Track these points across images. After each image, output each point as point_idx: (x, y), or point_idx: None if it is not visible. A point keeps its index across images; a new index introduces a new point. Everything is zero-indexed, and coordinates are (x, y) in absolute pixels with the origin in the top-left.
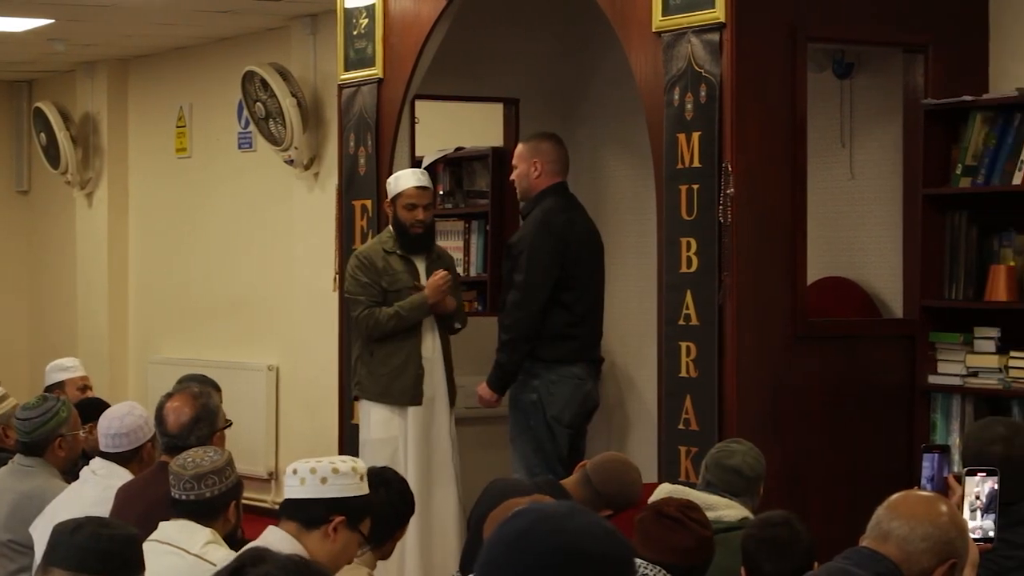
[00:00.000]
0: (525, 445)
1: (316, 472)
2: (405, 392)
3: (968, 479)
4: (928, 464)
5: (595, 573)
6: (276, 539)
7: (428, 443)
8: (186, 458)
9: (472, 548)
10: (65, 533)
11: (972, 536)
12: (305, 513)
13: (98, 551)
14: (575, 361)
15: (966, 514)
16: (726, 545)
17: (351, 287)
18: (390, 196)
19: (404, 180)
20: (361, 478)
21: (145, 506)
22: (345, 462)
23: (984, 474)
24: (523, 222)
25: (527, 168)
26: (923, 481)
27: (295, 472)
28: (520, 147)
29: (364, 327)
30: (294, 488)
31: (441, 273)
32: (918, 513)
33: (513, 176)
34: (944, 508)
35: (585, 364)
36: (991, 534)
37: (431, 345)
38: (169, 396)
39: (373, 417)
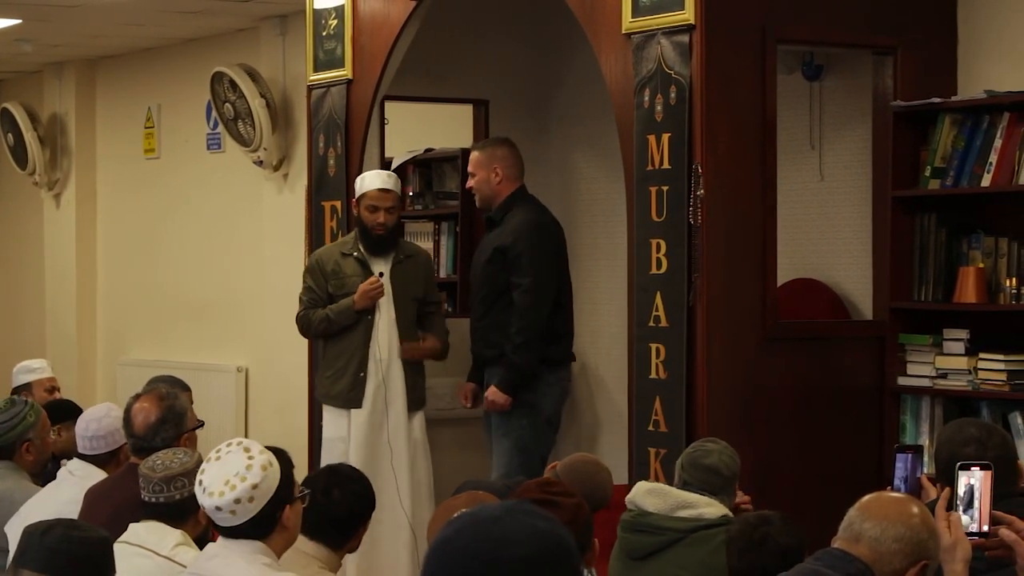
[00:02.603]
0: (509, 444)
1: (241, 500)
2: (341, 395)
3: (961, 473)
4: (901, 464)
5: None
6: (242, 566)
7: (371, 448)
8: (155, 460)
9: None
10: (35, 535)
11: (967, 531)
12: (257, 530)
13: (68, 553)
14: (567, 362)
15: (960, 509)
16: (706, 542)
17: (301, 289)
18: (356, 196)
19: (368, 181)
20: (270, 463)
21: (113, 507)
22: (251, 468)
23: (978, 468)
24: (496, 229)
25: (487, 175)
26: (896, 481)
27: (220, 508)
28: (475, 154)
29: (299, 327)
30: (228, 519)
31: (372, 279)
32: (890, 514)
33: (471, 184)
34: (916, 509)
35: (569, 364)
36: (985, 528)
37: (386, 347)
38: (137, 397)
39: (325, 416)
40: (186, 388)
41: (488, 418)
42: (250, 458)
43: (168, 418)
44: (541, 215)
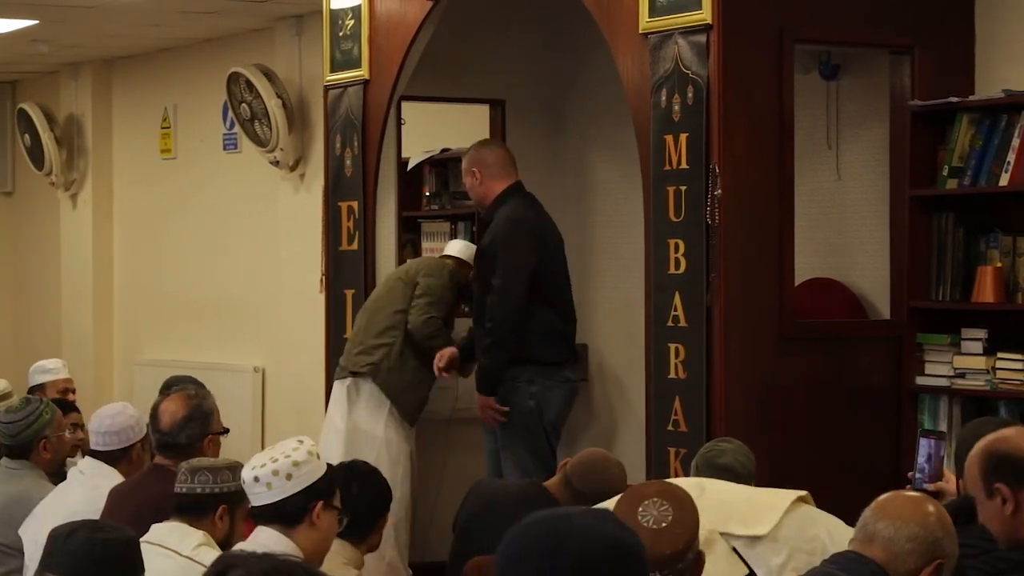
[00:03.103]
0: (523, 452)
1: (279, 473)
2: (411, 409)
3: (922, 440)
4: (925, 446)
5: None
6: (268, 539)
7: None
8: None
9: (457, 554)
10: (60, 539)
11: (919, 487)
12: (284, 513)
13: (92, 556)
14: (567, 362)
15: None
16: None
17: (442, 292)
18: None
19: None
20: (316, 456)
21: (135, 507)
22: (298, 449)
23: (934, 437)
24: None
25: (470, 180)
26: (920, 461)
27: (258, 479)
28: (463, 160)
29: (429, 332)
30: (263, 495)
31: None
32: (904, 514)
33: (466, 189)
34: (931, 508)
35: (573, 364)
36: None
37: None
38: (166, 395)
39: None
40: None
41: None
42: (300, 442)
43: (195, 416)
44: (519, 211)
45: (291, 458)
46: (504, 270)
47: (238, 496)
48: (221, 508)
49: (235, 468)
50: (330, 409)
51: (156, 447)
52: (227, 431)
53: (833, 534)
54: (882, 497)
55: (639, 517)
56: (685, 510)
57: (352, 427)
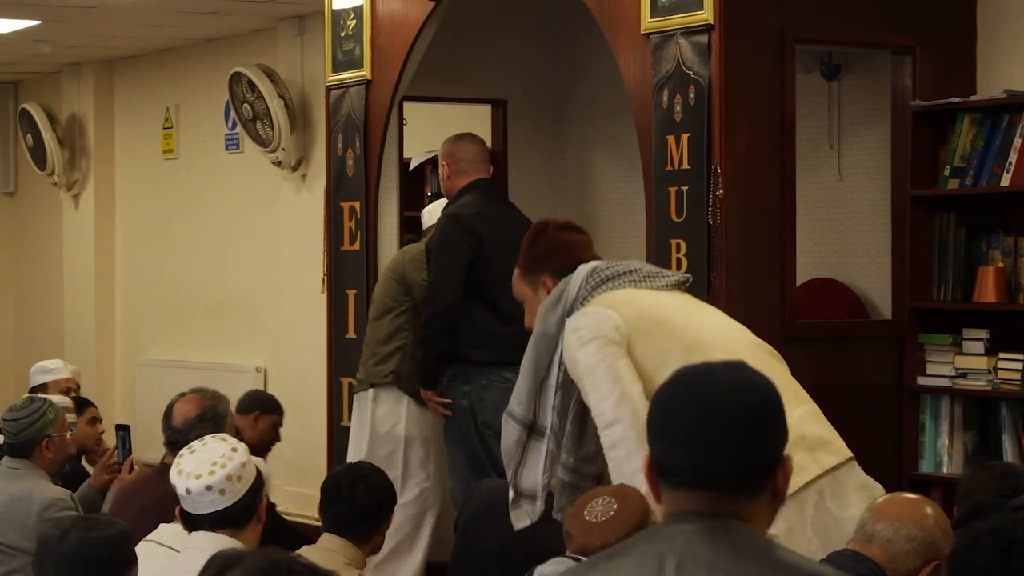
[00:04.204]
0: (458, 452)
1: (232, 477)
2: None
3: None
4: None
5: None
6: (216, 544)
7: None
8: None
9: (458, 554)
10: (52, 542)
11: None
12: (236, 516)
13: (86, 557)
14: (505, 364)
15: None
16: None
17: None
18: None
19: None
20: (246, 452)
21: (139, 507)
22: (236, 450)
23: None
24: None
25: (441, 172)
26: None
27: (210, 487)
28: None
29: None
30: (215, 501)
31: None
32: (903, 515)
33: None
34: (929, 510)
35: (516, 367)
36: None
37: None
38: (181, 396)
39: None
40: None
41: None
42: (233, 449)
43: (208, 416)
44: (462, 208)
45: (236, 460)
46: (435, 267)
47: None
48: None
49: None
50: (355, 425)
51: (167, 444)
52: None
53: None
54: (881, 498)
55: (585, 513)
56: (630, 509)
57: (372, 433)
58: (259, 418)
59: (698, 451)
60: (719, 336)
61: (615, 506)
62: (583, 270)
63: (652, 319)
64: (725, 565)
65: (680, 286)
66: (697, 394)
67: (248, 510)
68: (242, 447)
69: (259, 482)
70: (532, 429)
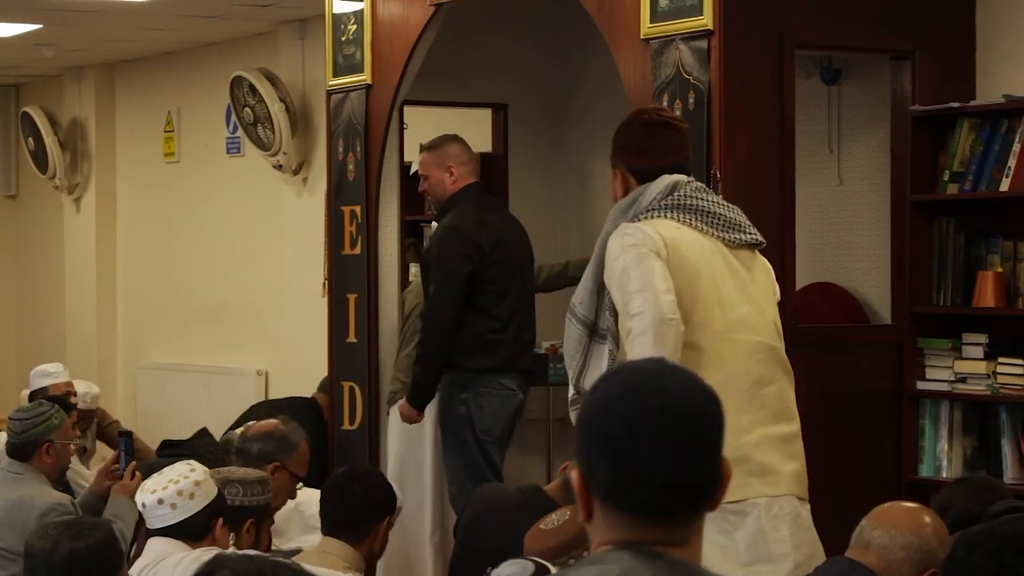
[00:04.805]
0: (455, 460)
1: (183, 493)
2: None
3: None
4: None
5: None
6: (170, 548)
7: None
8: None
9: (459, 557)
10: (42, 556)
11: None
12: (189, 531)
13: (75, 565)
14: (503, 371)
15: None
16: None
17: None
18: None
19: None
20: (209, 477)
21: None
22: (195, 471)
23: None
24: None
25: (441, 175)
26: None
27: (162, 501)
28: (426, 155)
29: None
30: (166, 516)
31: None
32: (899, 522)
33: (424, 187)
34: (927, 519)
35: (515, 374)
36: None
37: None
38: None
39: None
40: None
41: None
42: (192, 469)
43: (276, 437)
44: (462, 218)
45: (190, 479)
46: (436, 280)
47: (266, 510)
48: (248, 521)
49: (265, 482)
50: (392, 437)
51: (233, 452)
52: (301, 480)
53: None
54: (880, 506)
55: (541, 523)
56: (577, 519)
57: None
58: None
59: (648, 466)
60: (744, 325)
61: (567, 515)
62: (663, 183)
63: (688, 277)
64: None
65: (753, 247)
66: (640, 402)
67: (203, 528)
68: (200, 468)
69: (220, 502)
70: (594, 331)
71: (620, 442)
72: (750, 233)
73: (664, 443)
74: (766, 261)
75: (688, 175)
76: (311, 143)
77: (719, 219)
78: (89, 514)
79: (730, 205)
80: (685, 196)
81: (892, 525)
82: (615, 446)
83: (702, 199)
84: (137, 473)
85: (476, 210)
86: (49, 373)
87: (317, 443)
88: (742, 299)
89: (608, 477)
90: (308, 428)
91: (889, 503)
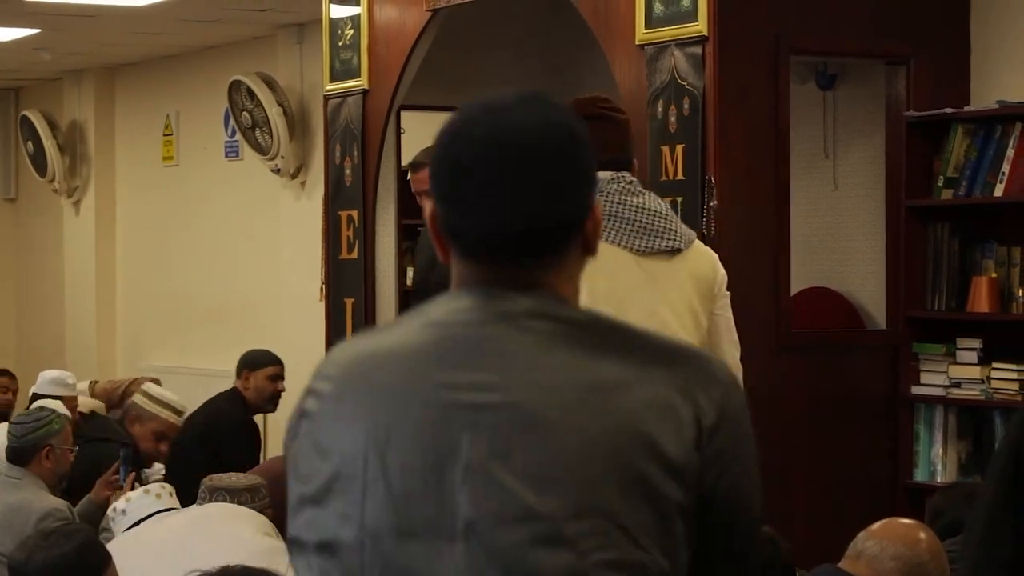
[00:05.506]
0: None
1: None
2: None
3: None
4: None
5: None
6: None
7: None
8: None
9: None
10: (19, 568)
11: None
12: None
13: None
14: None
15: None
16: None
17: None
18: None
19: None
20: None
21: None
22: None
23: None
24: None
25: None
26: None
27: (147, 492)
28: (421, 173)
29: None
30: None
31: None
32: (893, 535)
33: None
34: (923, 535)
35: None
36: None
37: None
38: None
39: None
40: None
41: None
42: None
43: None
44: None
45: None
46: (416, 281)
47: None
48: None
49: (254, 489)
50: None
51: None
52: None
53: None
54: (878, 522)
55: None
56: None
57: None
58: (249, 376)
59: (480, 208)
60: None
61: None
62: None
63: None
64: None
65: (669, 254)
66: (482, 132)
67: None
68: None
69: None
70: None
71: (449, 180)
72: (669, 239)
73: (496, 184)
74: (703, 258)
75: (628, 169)
76: (309, 147)
77: (633, 225)
78: (87, 524)
79: (656, 208)
80: (612, 199)
81: (885, 536)
82: (445, 185)
83: (621, 202)
84: (137, 484)
85: None
86: (67, 384)
87: (248, 431)
88: (642, 312)
89: (444, 218)
90: (240, 419)
91: (889, 519)
